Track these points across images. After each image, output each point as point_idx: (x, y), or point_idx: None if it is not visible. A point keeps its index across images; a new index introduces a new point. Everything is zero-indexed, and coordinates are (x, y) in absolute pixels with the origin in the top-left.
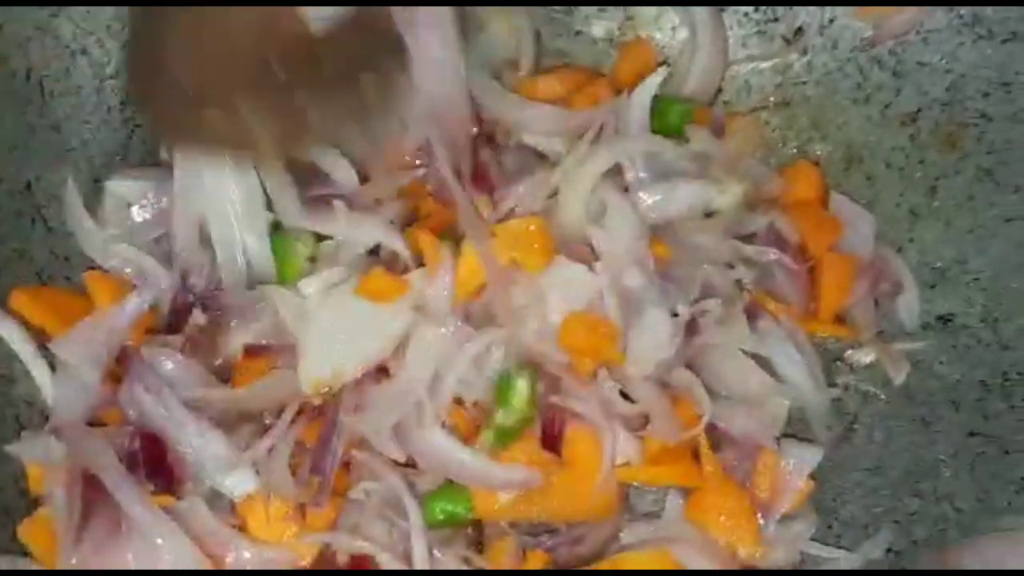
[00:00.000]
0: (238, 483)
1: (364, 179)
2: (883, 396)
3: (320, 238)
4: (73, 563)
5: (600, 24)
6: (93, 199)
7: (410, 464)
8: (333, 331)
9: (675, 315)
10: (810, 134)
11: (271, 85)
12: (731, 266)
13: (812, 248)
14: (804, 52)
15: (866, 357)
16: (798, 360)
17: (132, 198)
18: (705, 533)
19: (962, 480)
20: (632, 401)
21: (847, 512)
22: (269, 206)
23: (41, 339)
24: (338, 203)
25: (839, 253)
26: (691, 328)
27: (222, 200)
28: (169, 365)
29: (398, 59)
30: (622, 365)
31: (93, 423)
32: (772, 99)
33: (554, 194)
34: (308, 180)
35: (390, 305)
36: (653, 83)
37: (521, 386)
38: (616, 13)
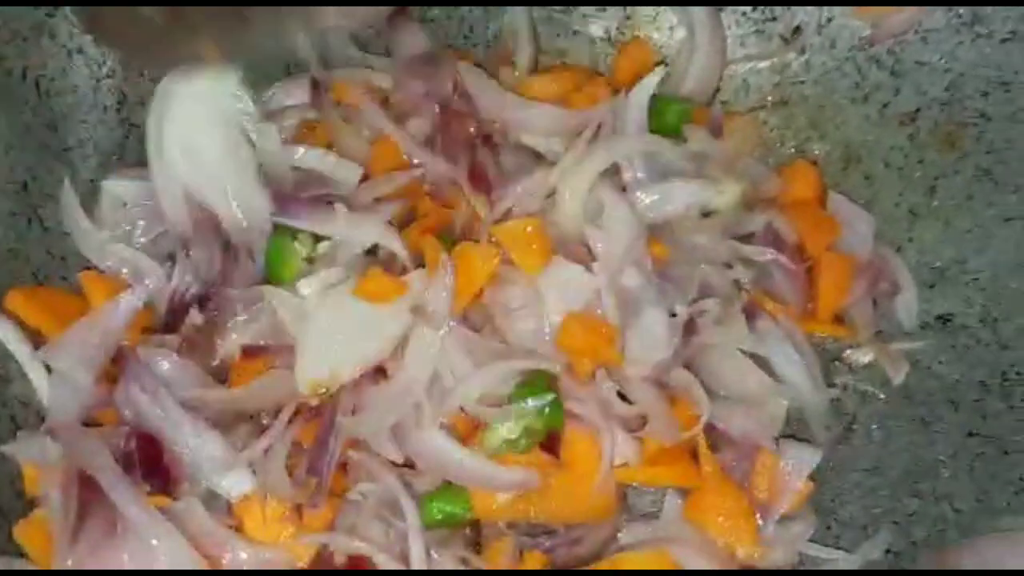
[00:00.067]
0: (235, 483)
1: (363, 179)
2: (882, 396)
3: (318, 238)
4: (69, 564)
5: (598, 23)
6: (90, 199)
7: (408, 465)
8: (331, 332)
9: (673, 315)
10: (808, 134)
11: None
12: (729, 266)
13: (810, 248)
14: (802, 51)
15: (865, 357)
16: (796, 360)
17: (129, 198)
18: (704, 534)
19: (961, 480)
20: (630, 402)
21: (846, 513)
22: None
23: (37, 339)
24: (336, 203)
25: (837, 253)
26: (689, 328)
27: (199, 155)
28: (165, 365)
29: None
30: (620, 366)
31: (89, 423)
32: (770, 98)
33: (552, 194)
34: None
35: (388, 306)
36: (651, 83)
37: (534, 408)
38: (614, 12)
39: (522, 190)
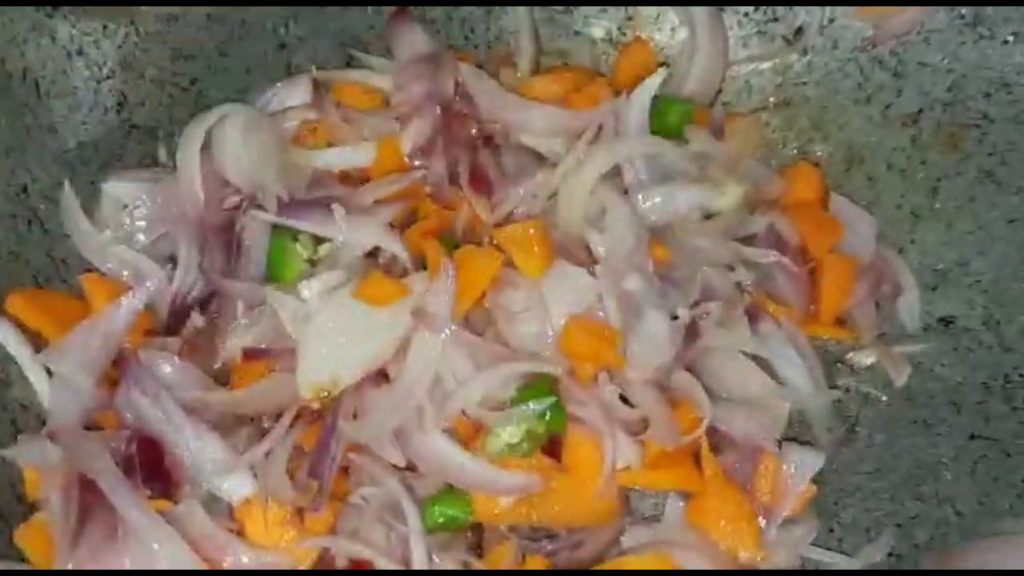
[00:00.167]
0: (236, 487)
1: (364, 180)
2: (884, 398)
3: (319, 240)
4: (69, 568)
5: (600, 25)
6: (90, 201)
7: (409, 468)
8: (332, 335)
9: (675, 318)
10: (811, 135)
11: None
12: (731, 268)
13: (812, 250)
14: (804, 52)
15: (867, 359)
16: (799, 362)
17: (129, 200)
18: (706, 537)
19: (963, 483)
20: (632, 405)
21: (848, 515)
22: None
23: (38, 342)
24: (336, 205)
25: (840, 255)
26: (691, 331)
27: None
28: (166, 368)
29: None
30: (622, 369)
31: (90, 427)
32: (772, 100)
33: (553, 195)
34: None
35: (390, 309)
36: (653, 84)
37: (536, 411)
38: (616, 13)
39: (523, 192)
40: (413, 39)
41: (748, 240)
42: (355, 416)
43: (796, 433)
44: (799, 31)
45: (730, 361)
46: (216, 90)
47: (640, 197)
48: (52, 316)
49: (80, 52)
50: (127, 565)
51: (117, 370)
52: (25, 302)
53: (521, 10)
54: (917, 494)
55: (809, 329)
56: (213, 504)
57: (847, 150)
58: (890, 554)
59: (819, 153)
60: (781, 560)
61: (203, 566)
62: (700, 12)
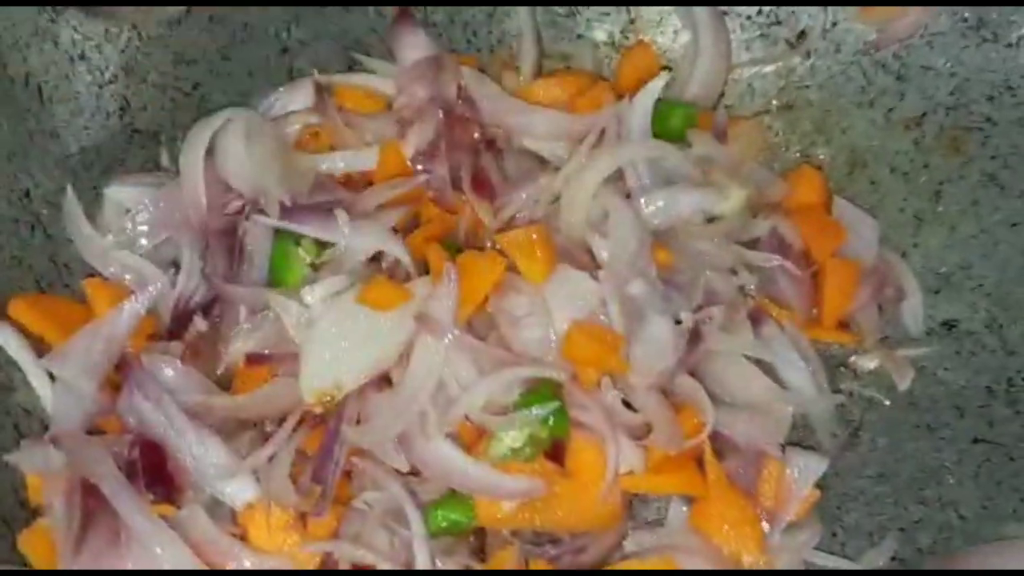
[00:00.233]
0: (239, 491)
1: (367, 185)
2: (887, 402)
3: (322, 245)
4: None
5: (602, 28)
6: (92, 206)
7: (412, 473)
8: (335, 340)
9: (678, 322)
10: (813, 138)
11: None
12: (734, 272)
13: (815, 253)
14: (807, 56)
15: (870, 363)
16: (802, 366)
17: (131, 204)
18: (709, 541)
19: (967, 487)
20: (635, 410)
21: (851, 519)
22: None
23: (40, 347)
24: (339, 210)
25: (842, 258)
26: (694, 335)
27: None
28: (169, 372)
29: None
30: (625, 374)
31: (93, 431)
32: (775, 103)
33: (556, 200)
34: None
35: (393, 314)
36: (655, 87)
37: (539, 416)
38: (618, 17)
39: (526, 196)
40: (416, 42)
41: (751, 244)
42: (358, 421)
43: (799, 437)
44: (802, 35)
45: (733, 365)
46: (218, 94)
47: (643, 201)
48: (55, 321)
49: (82, 57)
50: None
51: (120, 375)
52: (28, 307)
53: (523, 13)
54: (920, 498)
55: (812, 333)
56: (216, 509)
57: (850, 153)
58: (893, 558)
59: (822, 157)
60: (784, 565)
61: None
62: (703, 15)
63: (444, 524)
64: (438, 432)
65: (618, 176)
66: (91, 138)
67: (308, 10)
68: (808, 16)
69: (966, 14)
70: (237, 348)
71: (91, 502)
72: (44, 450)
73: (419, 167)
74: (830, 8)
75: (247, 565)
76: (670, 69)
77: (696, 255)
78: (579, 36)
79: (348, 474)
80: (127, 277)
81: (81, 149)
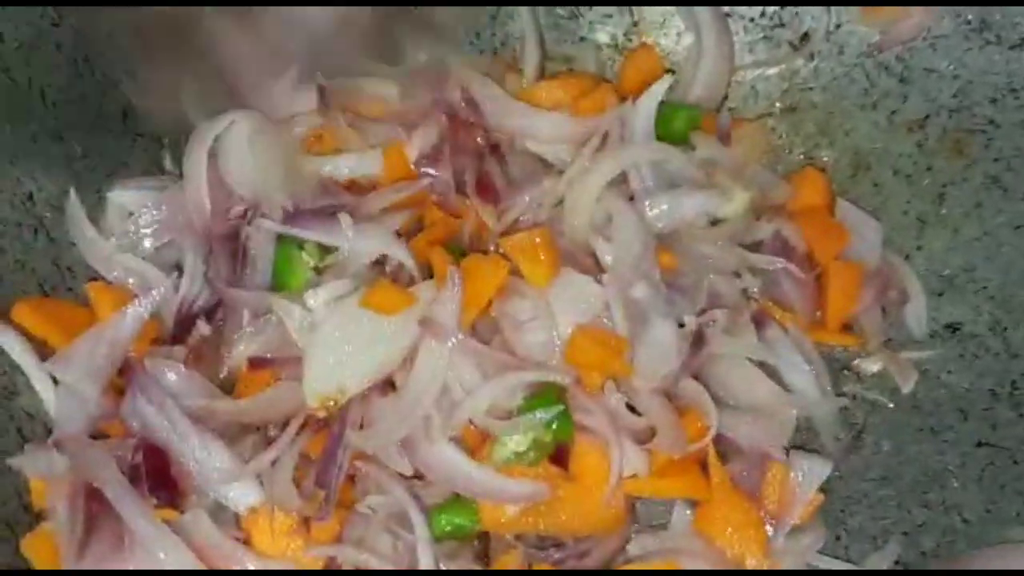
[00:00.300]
0: (242, 495)
1: (369, 189)
2: (891, 405)
3: (325, 249)
4: None
5: (605, 30)
6: (96, 209)
7: (416, 476)
8: (339, 344)
9: (681, 325)
10: (817, 140)
11: None
12: (738, 275)
13: (819, 256)
14: (811, 58)
15: (873, 366)
16: (805, 369)
17: (135, 208)
18: (713, 544)
19: (970, 490)
20: (638, 414)
21: (855, 523)
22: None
23: (44, 351)
24: (343, 214)
25: (846, 261)
26: (698, 338)
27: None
28: (172, 376)
29: None
30: (629, 377)
31: (96, 435)
32: (778, 105)
33: (559, 203)
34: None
35: (396, 318)
36: (659, 90)
37: (542, 420)
38: (621, 19)
39: (529, 199)
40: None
41: (754, 246)
42: (362, 425)
43: (803, 440)
44: (805, 37)
45: (736, 368)
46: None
47: (647, 204)
48: (58, 325)
49: (86, 60)
50: None
51: (123, 378)
52: (31, 311)
53: (526, 15)
54: (924, 501)
55: (815, 336)
56: (219, 513)
57: (853, 156)
58: (897, 562)
59: (825, 159)
60: (788, 568)
61: None
62: (706, 16)
63: (448, 528)
64: (442, 436)
65: (622, 179)
66: (94, 142)
67: None
68: (812, 18)
69: (969, 16)
70: (240, 352)
71: (94, 506)
72: (47, 454)
73: (423, 170)
74: (833, 10)
75: (250, 569)
76: (673, 72)
77: (700, 258)
78: (582, 39)
79: (352, 478)
80: (130, 280)
81: (84, 153)
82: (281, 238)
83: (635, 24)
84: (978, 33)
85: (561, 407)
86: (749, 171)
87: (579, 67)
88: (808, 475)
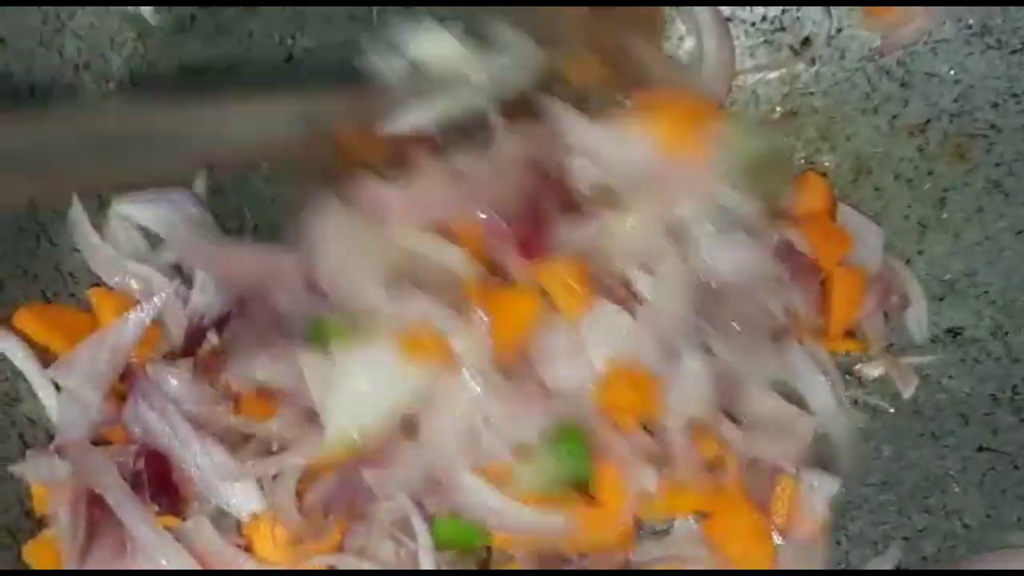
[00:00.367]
0: (243, 502)
1: None
2: (892, 410)
3: None
4: None
5: None
6: (98, 215)
7: None
8: (361, 386)
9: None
10: (818, 145)
11: None
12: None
13: (822, 261)
14: (812, 62)
15: (874, 371)
16: (822, 382)
17: (137, 215)
18: (718, 553)
19: (971, 495)
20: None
21: (855, 528)
22: None
23: (46, 358)
24: None
25: (849, 267)
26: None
27: None
28: (174, 382)
29: None
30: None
31: (98, 441)
32: (779, 110)
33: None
34: None
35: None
36: (723, 136)
37: (567, 453)
38: None
39: (572, 228)
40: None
41: None
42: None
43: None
44: (806, 41)
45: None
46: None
47: (702, 248)
48: (60, 331)
49: (87, 66)
50: None
51: (125, 384)
52: (33, 317)
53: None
54: (924, 506)
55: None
56: (221, 520)
57: (854, 160)
58: (897, 567)
59: (826, 163)
60: None
61: None
62: (706, 19)
63: (451, 537)
64: (465, 470)
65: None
66: None
67: (314, 19)
68: (813, 23)
69: (970, 21)
70: (249, 377)
71: (96, 513)
72: (49, 460)
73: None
74: (834, 14)
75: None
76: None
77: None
78: None
79: None
80: (133, 284)
81: None
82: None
83: None
84: (979, 38)
85: (585, 440)
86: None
87: None
88: (817, 491)
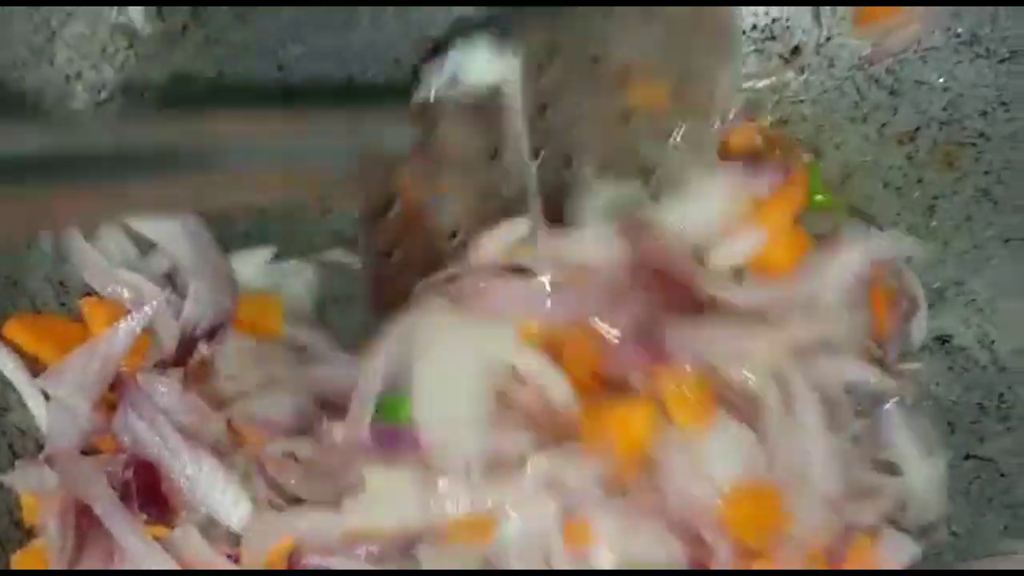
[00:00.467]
0: (233, 511)
1: None
2: None
3: None
4: None
5: None
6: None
7: None
8: None
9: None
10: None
11: None
12: None
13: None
14: (801, 71)
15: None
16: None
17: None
18: None
19: (958, 503)
20: None
21: None
22: None
23: (35, 368)
24: None
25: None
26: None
27: None
28: (165, 392)
29: None
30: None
31: (88, 451)
32: (769, 118)
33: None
34: None
35: None
36: (864, 247)
37: None
38: None
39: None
40: None
41: None
42: None
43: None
44: (796, 50)
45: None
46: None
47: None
48: (51, 341)
49: (79, 76)
50: None
51: (115, 394)
52: (23, 327)
53: None
54: None
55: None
56: (210, 529)
57: (843, 168)
58: None
59: None
60: None
61: None
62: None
63: None
64: None
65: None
66: None
67: (307, 27)
68: (802, 31)
69: (959, 30)
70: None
71: (85, 523)
72: (39, 470)
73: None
74: (824, 23)
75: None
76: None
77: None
78: None
79: None
80: (124, 293)
81: None
82: None
83: None
84: (968, 46)
85: None
86: None
87: None
88: (895, 554)
